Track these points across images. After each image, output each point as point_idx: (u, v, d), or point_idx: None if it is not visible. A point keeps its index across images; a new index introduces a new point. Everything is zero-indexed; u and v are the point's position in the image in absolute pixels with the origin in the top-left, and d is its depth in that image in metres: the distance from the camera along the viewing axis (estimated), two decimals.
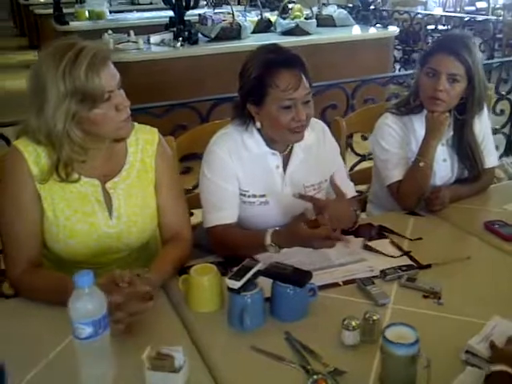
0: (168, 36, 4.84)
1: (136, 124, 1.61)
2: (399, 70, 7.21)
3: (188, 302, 1.43)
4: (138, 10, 7.54)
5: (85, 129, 1.43)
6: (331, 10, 5.79)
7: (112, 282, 1.29)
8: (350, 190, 1.93)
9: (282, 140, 1.75)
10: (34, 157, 1.47)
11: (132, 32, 4.83)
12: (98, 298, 1.11)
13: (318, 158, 1.83)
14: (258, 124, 1.70)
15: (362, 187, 2.49)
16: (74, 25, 6.14)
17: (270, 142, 1.75)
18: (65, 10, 6.25)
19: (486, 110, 2.08)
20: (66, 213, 1.52)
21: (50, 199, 1.50)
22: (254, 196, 1.76)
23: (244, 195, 1.76)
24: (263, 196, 1.76)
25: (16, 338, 1.33)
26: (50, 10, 6.43)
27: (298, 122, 1.64)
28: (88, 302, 1.09)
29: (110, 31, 4.90)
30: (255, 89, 1.63)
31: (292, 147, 1.79)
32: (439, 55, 1.88)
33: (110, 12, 6.94)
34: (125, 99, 1.46)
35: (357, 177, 2.39)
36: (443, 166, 2.04)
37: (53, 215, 1.51)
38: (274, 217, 1.76)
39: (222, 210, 1.73)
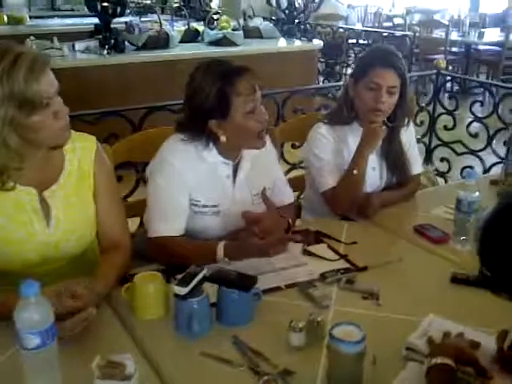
0: (94, 43, 4.74)
1: (73, 132, 1.58)
2: (323, 82, 7.43)
3: (133, 310, 1.42)
4: (59, 17, 7.34)
5: (21, 135, 1.38)
6: (257, 22, 5.88)
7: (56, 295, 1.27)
8: (288, 196, 2.00)
9: (248, 147, 1.77)
10: None
11: (55, 38, 4.70)
12: (45, 308, 1.09)
13: (262, 166, 1.87)
14: (223, 138, 1.68)
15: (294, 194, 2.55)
16: None
17: (224, 152, 1.76)
18: None
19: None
20: (1, 221, 1.47)
21: None
22: (206, 206, 1.77)
23: (196, 205, 1.76)
24: (215, 206, 1.77)
25: None
26: None
27: (262, 124, 1.69)
28: (35, 312, 1.06)
29: (32, 37, 4.73)
30: (218, 103, 1.64)
31: (241, 156, 1.81)
32: (380, 69, 1.97)
33: (30, 17, 6.71)
34: (63, 106, 1.43)
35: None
36: (372, 174, 2.13)
37: None
38: (224, 226, 1.78)
39: (171, 221, 1.73)
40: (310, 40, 5.80)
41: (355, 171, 1.99)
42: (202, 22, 6.00)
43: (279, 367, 1.23)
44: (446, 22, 7.65)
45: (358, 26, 8.94)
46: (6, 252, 1.48)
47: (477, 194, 1.73)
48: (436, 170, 3.61)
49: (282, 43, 5.69)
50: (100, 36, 4.73)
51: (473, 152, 3.57)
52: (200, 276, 1.36)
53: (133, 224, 2.10)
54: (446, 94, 5.22)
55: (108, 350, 1.19)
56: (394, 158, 2.14)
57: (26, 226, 1.49)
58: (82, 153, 1.59)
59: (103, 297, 1.44)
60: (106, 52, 4.58)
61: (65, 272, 1.59)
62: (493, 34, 7.73)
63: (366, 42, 7.70)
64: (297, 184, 2.35)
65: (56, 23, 6.69)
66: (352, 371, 1.14)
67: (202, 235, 1.79)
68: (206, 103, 1.65)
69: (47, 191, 1.52)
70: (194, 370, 1.25)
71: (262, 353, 1.29)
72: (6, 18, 6.22)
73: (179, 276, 1.43)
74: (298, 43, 5.71)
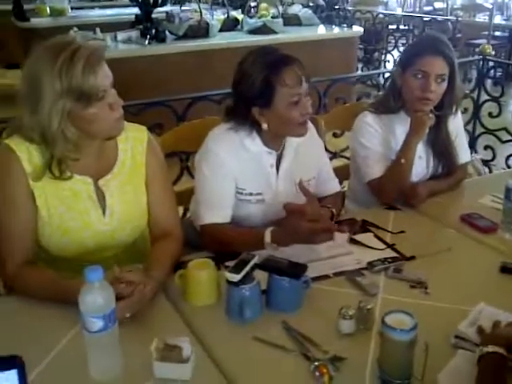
0: (135, 34, 4.82)
1: (125, 122, 1.62)
2: (361, 70, 7.36)
3: (186, 297, 1.46)
4: (99, 7, 7.46)
5: (78, 127, 1.44)
6: (297, 9, 5.86)
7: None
8: (334, 185, 2.02)
9: (289, 135, 1.79)
10: (26, 155, 1.48)
11: (98, 29, 4.78)
12: (108, 293, 1.13)
13: (306, 156, 1.88)
14: (265, 125, 1.71)
15: None
16: (36, 22, 6.00)
17: (268, 141, 1.78)
18: (25, 7, 6.12)
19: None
20: (60, 210, 1.53)
21: (43, 197, 1.51)
22: (251, 194, 1.80)
23: (241, 193, 1.80)
24: (259, 194, 1.81)
25: (13, 337, 1.33)
26: (10, 6, 6.26)
27: (305, 116, 1.71)
28: (99, 297, 1.11)
29: (75, 28, 4.83)
30: (262, 91, 1.66)
31: (284, 146, 1.83)
32: (428, 57, 1.94)
33: (72, 8, 6.83)
34: (118, 98, 1.47)
35: None
36: (419, 163, 2.11)
37: (47, 213, 1.51)
38: (269, 214, 1.80)
39: (218, 209, 1.76)
40: (350, 27, 5.75)
41: (403, 160, 1.98)
42: (240, 10, 6.01)
43: (329, 353, 1.26)
44: (490, 6, 7.47)
45: (398, 11, 8.80)
46: (64, 240, 1.54)
47: None
48: (481, 158, 3.55)
49: (322, 30, 5.65)
50: (141, 26, 4.80)
51: None
52: (251, 263, 1.40)
53: None
54: (489, 81, 5.12)
55: (163, 335, 1.23)
56: (441, 146, 2.12)
57: (83, 215, 1.55)
58: (134, 142, 1.64)
59: (162, 283, 1.48)
60: (147, 42, 4.64)
61: (118, 259, 1.64)
62: None
63: (406, 27, 7.58)
64: (337, 173, 2.36)
65: (97, 14, 6.79)
66: (404, 358, 1.15)
67: (245, 222, 1.82)
68: (251, 90, 1.68)
69: (102, 180, 1.57)
70: (246, 353, 1.29)
71: (311, 339, 1.31)
72: (48, 10, 6.33)
73: (229, 263, 1.47)
74: (337, 30, 5.67)
